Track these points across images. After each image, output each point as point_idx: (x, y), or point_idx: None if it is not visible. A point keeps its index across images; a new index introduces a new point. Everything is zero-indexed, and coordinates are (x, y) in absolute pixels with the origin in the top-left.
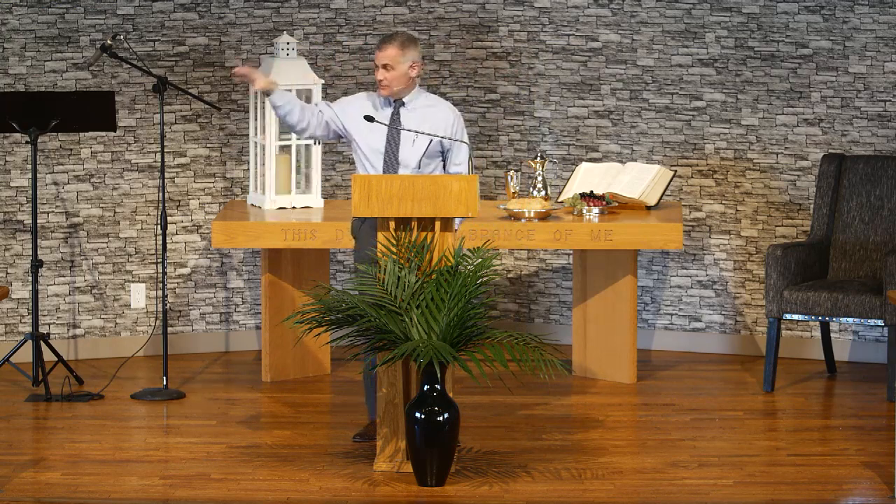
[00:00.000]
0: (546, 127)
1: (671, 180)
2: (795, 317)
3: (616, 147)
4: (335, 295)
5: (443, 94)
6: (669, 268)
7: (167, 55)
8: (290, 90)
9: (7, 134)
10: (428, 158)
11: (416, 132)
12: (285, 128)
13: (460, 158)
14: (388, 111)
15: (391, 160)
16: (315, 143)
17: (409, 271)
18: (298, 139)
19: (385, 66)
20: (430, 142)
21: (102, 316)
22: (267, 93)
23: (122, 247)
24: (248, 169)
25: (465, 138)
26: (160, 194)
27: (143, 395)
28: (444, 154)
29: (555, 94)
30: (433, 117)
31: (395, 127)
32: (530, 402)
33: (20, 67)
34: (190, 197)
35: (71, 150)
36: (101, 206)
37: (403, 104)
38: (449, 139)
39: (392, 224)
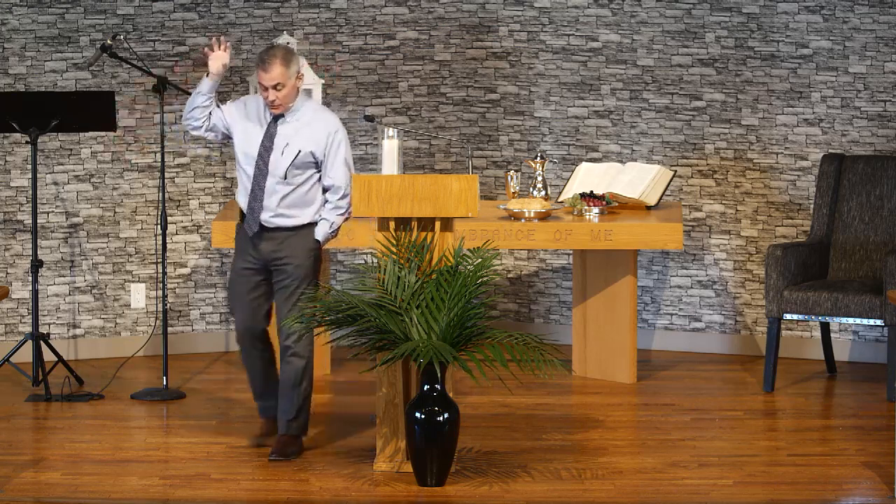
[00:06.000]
0: (546, 127)
1: (671, 180)
2: (795, 317)
3: (616, 147)
4: (335, 295)
5: (443, 94)
6: (669, 268)
7: (167, 55)
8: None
9: (7, 134)
10: (297, 169)
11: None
12: (189, 120)
13: (334, 172)
14: (268, 117)
15: (262, 166)
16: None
17: (409, 271)
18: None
19: (275, 87)
20: (298, 152)
21: (102, 316)
22: (212, 77)
23: (122, 247)
24: None
25: (343, 154)
26: (160, 194)
27: (143, 395)
28: (318, 165)
29: (555, 94)
30: (307, 129)
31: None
32: (530, 402)
33: (20, 67)
34: (190, 197)
35: (71, 150)
36: (101, 206)
37: (283, 115)
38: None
39: (392, 224)
